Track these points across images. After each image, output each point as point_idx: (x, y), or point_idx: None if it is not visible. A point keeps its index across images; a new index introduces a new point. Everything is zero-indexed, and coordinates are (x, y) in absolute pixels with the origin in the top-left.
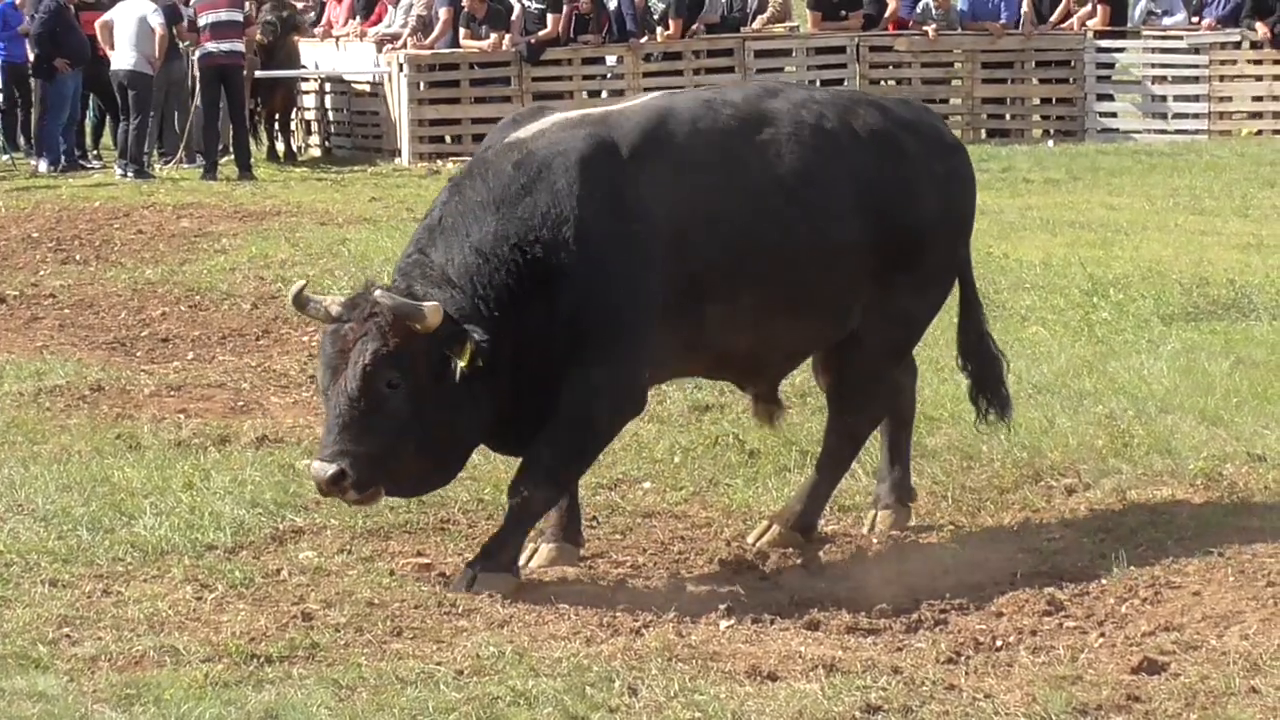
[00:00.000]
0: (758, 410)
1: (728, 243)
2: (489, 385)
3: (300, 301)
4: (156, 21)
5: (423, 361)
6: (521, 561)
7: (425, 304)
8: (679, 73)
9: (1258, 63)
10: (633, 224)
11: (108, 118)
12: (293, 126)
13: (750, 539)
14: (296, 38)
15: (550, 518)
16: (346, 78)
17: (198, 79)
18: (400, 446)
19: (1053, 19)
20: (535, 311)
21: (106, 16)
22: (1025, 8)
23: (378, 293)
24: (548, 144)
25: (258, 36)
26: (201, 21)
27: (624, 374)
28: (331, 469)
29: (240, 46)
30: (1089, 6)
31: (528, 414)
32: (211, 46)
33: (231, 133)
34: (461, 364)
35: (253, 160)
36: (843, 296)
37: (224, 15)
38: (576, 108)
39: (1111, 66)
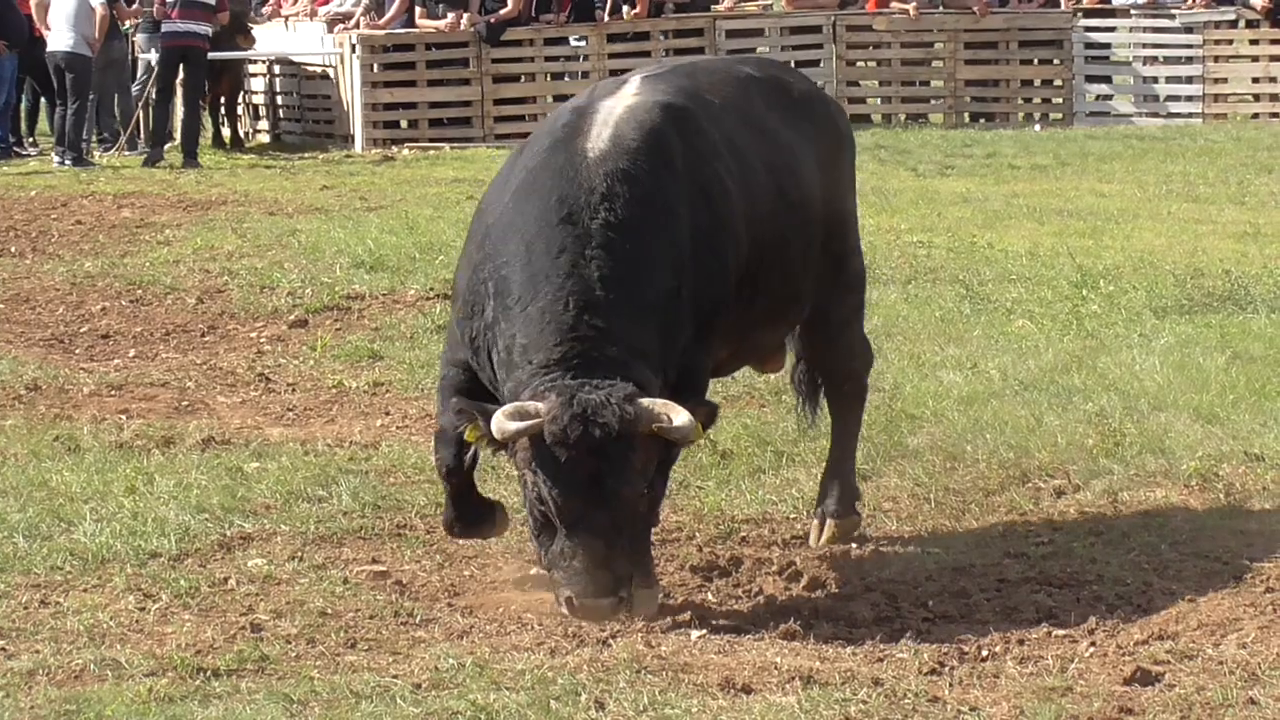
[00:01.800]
0: None
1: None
2: None
3: (511, 433)
4: (98, 0)
5: (661, 460)
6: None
7: (692, 422)
8: (646, 54)
9: (1255, 42)
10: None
11: (43, 102)
12: (240, 111)
13: (813, 542)
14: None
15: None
16: (296, 59)
17: (157, 59)
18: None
19: None
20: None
21: None
22: None
23: (657, 427)
24: (632, 150)
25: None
26: None
27: None
28: (612, 601)
29: (206, 29)
30: None
31: None
32: (179, 26)
33: (181, 117)
34: (694, 439)
35: (198, 147)
36: (805, 286)
37: None
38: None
39: (1107, 46)
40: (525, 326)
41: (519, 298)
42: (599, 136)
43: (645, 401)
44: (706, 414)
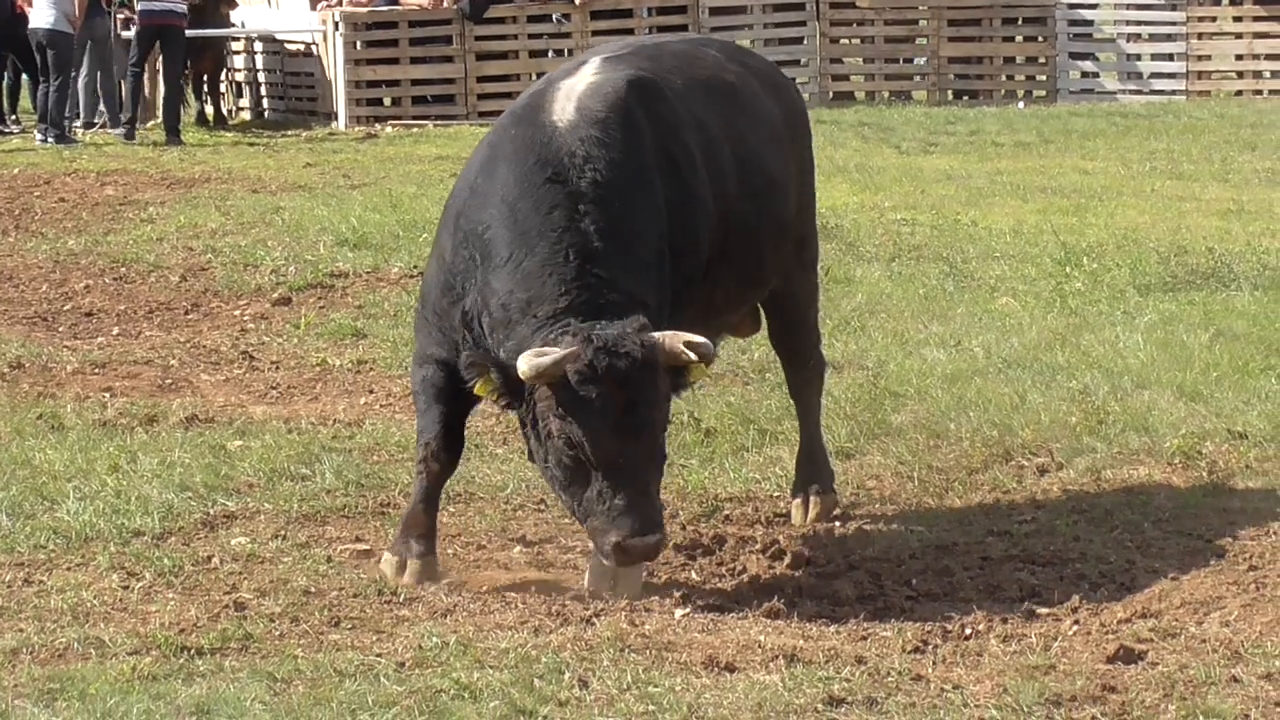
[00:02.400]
0: None
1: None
2: None
3: (545, 373)
4: None
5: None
6: (391, 574)
7: (705, 340)
8: (630, 30)
9: (1238, 19)
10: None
11: (25, 79)
12: (223, 89)
13: (797, 521)
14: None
15: (422, 525)
16: (279, 37)
17: (133, 37)
18: None
19: None
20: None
21: None
22: None
23: (683, 352)
24: (598, 120)
25: None
26: None
27: None
28: (659, 537)
29: (183, 7)
30: None
31: None
32: (156, 5)
33: (162, 95)
34: (694, 378)
35: (181, 125)
36: (771, 266)
37: None
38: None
39: (1091, 24)
40: (525, 281)
41: (510, 255)
42: (564, 110)
43: (656, 334)
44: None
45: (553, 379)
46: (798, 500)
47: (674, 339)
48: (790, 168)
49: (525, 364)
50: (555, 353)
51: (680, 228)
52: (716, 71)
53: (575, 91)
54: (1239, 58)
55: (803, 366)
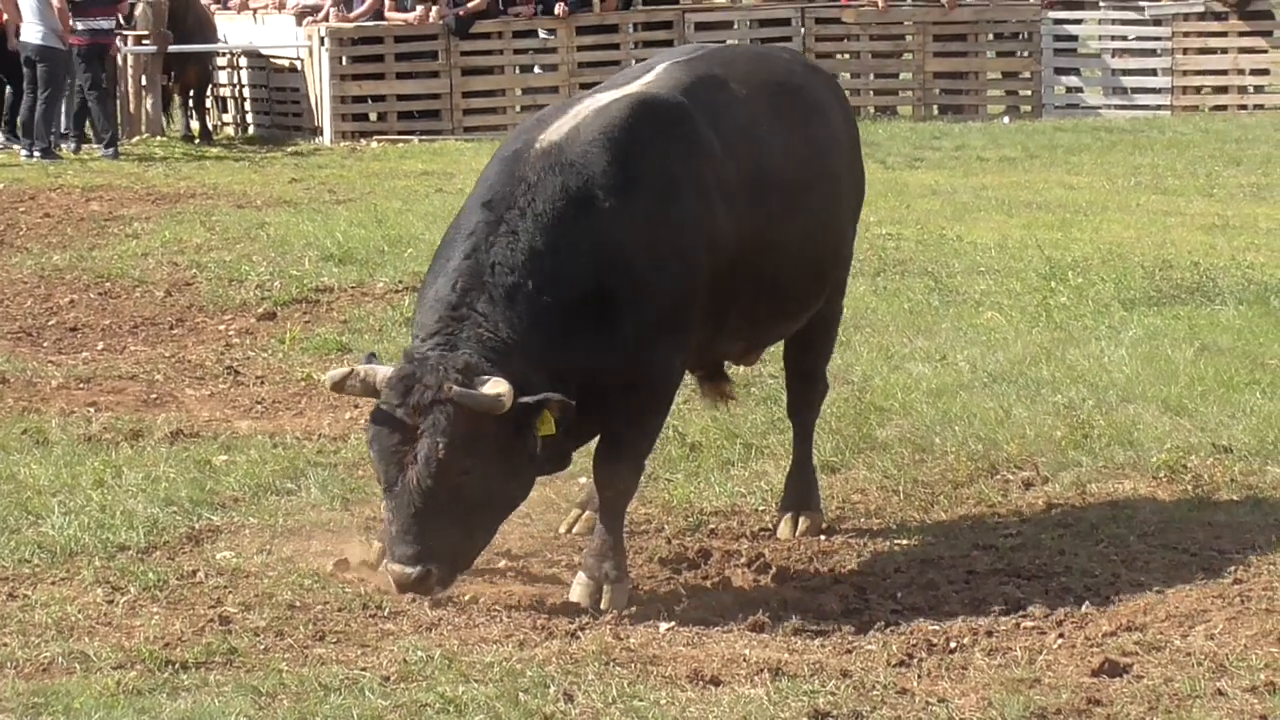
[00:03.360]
0: (708, 391)
1: None
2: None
3: (340, 386)
4: None
5: (495, 441)
6: None
7: (497, 392)
8: (615, 46)
9: (1222, 34)
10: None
11: (8, 94)
12: (207, 104)
13: (783, 535)
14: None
15: None
16: (265, 52)
17: (79, 59)
18: (477, 527)
19: None
20: (600, 334)
21: None
22: None
23: (454, 390)
24: (585, 142)
25: None
26: None
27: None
28: (416, 571)
29: (108, 24)
30: None
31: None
32: (98, 24)
33: (73, 107)
34: (543, 433)
35: (80, 146)
36: (826, 285)
37: None
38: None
39: (1075, 39)
40: (420, 306)
41: (427, 281)
42: (559, 129)
43: (484, 377)
44: (559, 407)
45: (343, 392)
46: (788, 516)
47: (494, 386)
48: (851, 182)
49: (327, 374)
50: (349, 369)
51: (665, 252)
52: (786, 79)
53: (588, 109)
54: (1223, 73)
55: (813, 387)
